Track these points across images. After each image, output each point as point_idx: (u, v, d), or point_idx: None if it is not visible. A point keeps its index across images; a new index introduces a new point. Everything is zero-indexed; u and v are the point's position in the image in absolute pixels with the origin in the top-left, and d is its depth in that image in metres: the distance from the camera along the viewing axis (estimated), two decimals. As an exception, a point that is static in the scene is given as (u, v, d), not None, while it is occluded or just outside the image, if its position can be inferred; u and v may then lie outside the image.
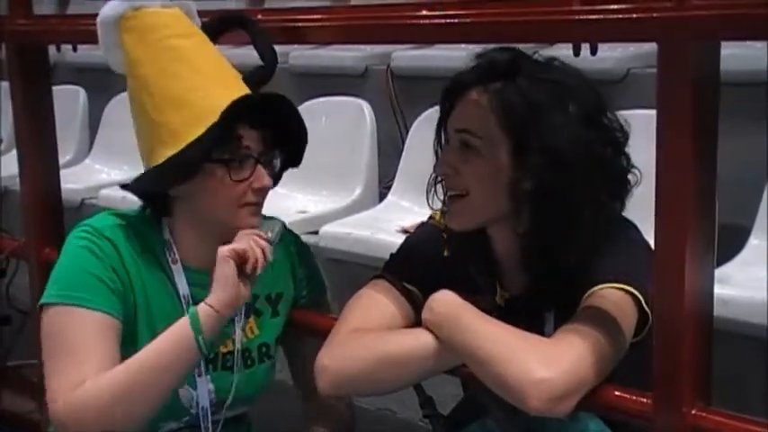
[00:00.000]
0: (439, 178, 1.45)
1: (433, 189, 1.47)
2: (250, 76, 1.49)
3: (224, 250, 1.38)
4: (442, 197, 1.46)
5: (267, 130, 1.46)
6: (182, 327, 1.39)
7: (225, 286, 1.38)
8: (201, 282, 1.51)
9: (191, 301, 1.49)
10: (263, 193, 1.46)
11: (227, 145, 1.41)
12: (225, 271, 1.38)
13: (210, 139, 1.39)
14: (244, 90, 1.45)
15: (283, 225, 1.50)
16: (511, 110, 1.35)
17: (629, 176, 1.41)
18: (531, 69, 1.38)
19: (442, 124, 1.45)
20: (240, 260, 1.39)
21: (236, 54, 1.59)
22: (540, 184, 1.34)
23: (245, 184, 1.43)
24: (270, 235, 1.44)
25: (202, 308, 1.39)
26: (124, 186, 1.50)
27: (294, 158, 1.53)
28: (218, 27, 1.55)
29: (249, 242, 1.40)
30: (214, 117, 1.38)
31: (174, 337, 1.39)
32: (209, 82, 1.44)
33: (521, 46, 1.45)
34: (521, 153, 1.35)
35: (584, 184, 1.34)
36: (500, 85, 1.37)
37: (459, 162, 1.38)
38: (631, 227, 1.41)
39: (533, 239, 1.38)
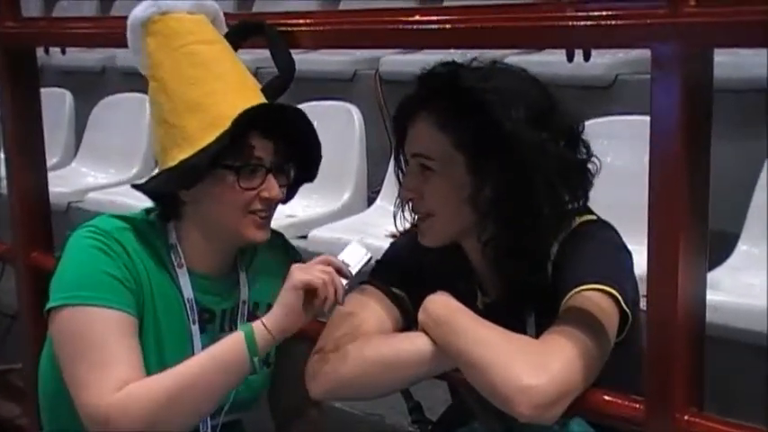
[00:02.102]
0: (404, 202, 1.46)
1: (400, 212, 1.49)
2: (268, 86, 1.50)
3: (296, 281, 1.36)
4: (409, 217, 1.48)
5: (281, 141, 1.46)
6: (237, 343, 1.38)
7: (288, 314, 1.37)
8: (206, 286, 1.51)
9: (194, 306, 1.49)
10: (271, 203, 1.46)
11: (239, 152, 1.42)
12: (291, 300, 1.37)
13: (221, 147, 1.39)
14: (259, 99, 1.45)
15: (370, 259, 1.45)
16: (458, 126, 1.36)
17: (590, 166, 1.41)
18: (471, 80, 1.38)
19: (398, 149, 1.47)
20: (310, 292, 1.37)
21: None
22: (498, 191, 1.36)
23: (253, 193, 1.44)
24: (351, 268, 1.41)
25: (259, 329, 1.38)
26: (136, 186, 1.50)
27: (308, 172, 1.53)
28: (238, 35, 1.55)
29: (324, 278, 1.37)
30: (227, 124, 1.38)
31: (229, 353, 1.38)
32: (226, 89, 1.44)
33: (510, 51, 1.45)
34: (476, 165, 1.36)
35: (541, 182, 1.35)
36: (444, 102, 1.38)
37: (420, 184, 1.40)
38: (607, 228, 1.41)
39: (499, 243, 1.39)
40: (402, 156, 1.47)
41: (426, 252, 1.47)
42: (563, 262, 1.36)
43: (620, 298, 1.29)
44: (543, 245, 1.38)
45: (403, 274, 1.49)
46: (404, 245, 1.54)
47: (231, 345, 1.38)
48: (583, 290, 1.29)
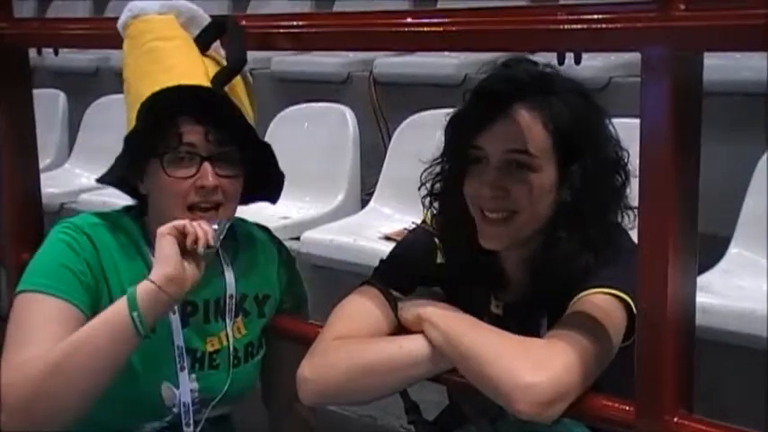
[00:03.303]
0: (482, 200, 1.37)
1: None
2: (216, 78, 1.47)
3: (162, 228, 1.36)
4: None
5: (221, 128, 1.43)
6: (118, 305, 1.35)
7: (165, 261, 1.35)
8: None
9: None
10: (207, 193, 1.42)
11: (169, 140, 1.41)
12: (164, 247, 1.35)
13: (142, 130, 1.39)
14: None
15: (228, 221, 1.44)
16: (562, 125, 1.34)
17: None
18: (558, 81, 1.38)
19: (465, 139, 1.38)
20: (181, 237, 1.36)
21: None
22: (581, 195, 1.34)
23: (188, 183, 1.42)
24: (215, 226, 1.39)
25: (142, 283, 1.35)
26: (98, 179, 1.53)
27: (264, 160, 1.50)
28: (206, 36, 1.54)
29: (188, 221, 1.37)
30: (153, 110, 1.39)
31: (110, 315, 1.35)
32: (171, 80, 1.43)
33: (500, 54, 1.45)
34: (565, 167, 1.35)
35: (615, 190, 1.37)
36: (546, 99, 1.34)
37: (509, 182, 1.34)
38: (623, 232, 1.41)
39: (561, 248, 1.35)
40: (463, 152, 1.38)
41: (440, 251, 1.45)
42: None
43: (631, 303, 1.28)
44: (598, 250, 1.35)
45: (407, 276, 1.48)
46: (408, 245, 1.53)
47: (115, 306, 1.36)
48: (592, 293, 1.30)
